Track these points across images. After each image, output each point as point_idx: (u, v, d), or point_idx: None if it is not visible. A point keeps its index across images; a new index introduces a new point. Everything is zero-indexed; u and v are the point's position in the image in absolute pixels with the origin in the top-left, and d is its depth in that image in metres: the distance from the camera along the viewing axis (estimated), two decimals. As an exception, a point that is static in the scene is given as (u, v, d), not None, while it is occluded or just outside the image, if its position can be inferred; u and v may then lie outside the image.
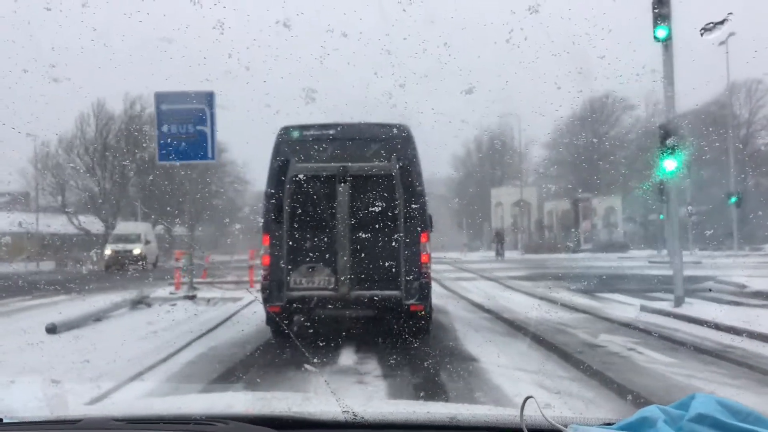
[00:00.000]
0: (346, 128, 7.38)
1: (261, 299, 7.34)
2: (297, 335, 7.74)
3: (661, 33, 10.10)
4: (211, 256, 28.23)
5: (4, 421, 1.48)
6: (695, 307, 9.73)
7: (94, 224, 37.82)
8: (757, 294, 12.03)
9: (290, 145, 7.19)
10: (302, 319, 8.02)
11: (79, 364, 5.80)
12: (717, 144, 33.06)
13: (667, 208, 22.52)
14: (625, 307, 10.73)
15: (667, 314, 9.43)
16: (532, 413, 1.19)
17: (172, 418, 1.54)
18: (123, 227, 30.87)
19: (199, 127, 11.06)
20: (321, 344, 6.98)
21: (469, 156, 53.00)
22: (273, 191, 7.09)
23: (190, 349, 6.91)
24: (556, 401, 4.59)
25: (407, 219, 7.04)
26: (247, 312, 10.47)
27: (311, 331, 7.77)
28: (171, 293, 13.16)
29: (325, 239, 7.00)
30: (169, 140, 11.03)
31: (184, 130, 11.06)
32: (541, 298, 12.20)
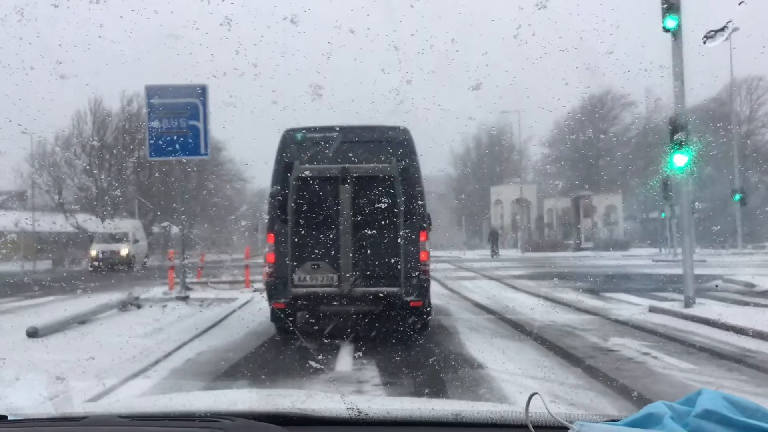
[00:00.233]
0: (348, 130, 7.55)
1: (266, 296, 7.52)
2: (301, 332, 7.84)
3: (671, 23, 9.75)
4: (208, 255, 27.86)
5: (9, 418, 1.46)
6: (706, 308, 9.37)
7: (92, 223, 37.36)
8: (767, 293, 11.70)
9: (294, 147, 7.41)
10: (306, 315, 8.11)
11: (54, 369, 5.42)
12: (717, 141, 32.72)
13: (671, 205, 22.15)
14: (632, 307, 10.36)
15: (678, 315, 9.08)
16: (538, 410, 1.17)
17: (176, 414, 1.54)
18: (109, 225, 29.21)
19: (191, 122, 10.67)
20: (320, 349, 6.67)
21: (468, 153, 52.68)
22: (277, 192, 7.34)
23: (177, 356, 6.52)
24: (571, 410, 4.22)
25: (407, 218, 7.24)
26: (241, 314, 10.10)
27: (315, 328, 7.84)
28: (164, 293, 12.80)
29: (328, 238, 7.18)
30: (160, 135, 10.63)
31: (175, 125, 10.67)
32: (546, 298, 11.83)
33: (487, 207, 47.36)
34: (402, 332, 7.34)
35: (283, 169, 7.29)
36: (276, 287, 7.28)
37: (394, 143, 7.42)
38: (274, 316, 7.46)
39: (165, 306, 10.16)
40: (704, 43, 4.69)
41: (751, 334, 7.14)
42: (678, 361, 6.03)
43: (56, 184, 38.83)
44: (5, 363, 5.70)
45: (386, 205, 7.14)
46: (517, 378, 5.39)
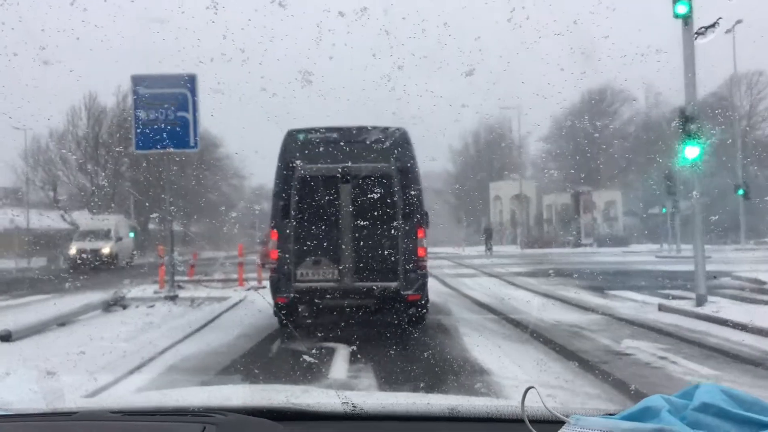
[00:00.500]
0: (348, 131, 7.88)
1: (260, 294, 8.02)
2: (299, 327, 8.00)
3: (682, 9, 9.31)
4: (202, 252, 27.32)
5: (0, 413, 1.46)
6: (719, 306, 8.95)
7: (87, 219, 36.79)
8: (779, 291, 11.28)
9: (296, 147, 7.70)
10: (305, 314, 8.33)
11: (24, 374, 4.95)
12: (718, 136, 32.31)
13: (676, 200, 21.71)
14: (640, 306, 9.95)
15: (690, 314, 8.67)
16: (534, 404, 1.15)
17: (169, 410, 1.53)
18: (91, 222, 26.76)
19: (180, 113, 10.19)
20: (313, 354, 6.24)
21: (466, 149, 52.15)
22: (280, 190, 7.66)
23: (159, 360, 6.06)
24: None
25: (405, 215, 7.52)
26: (232, 314, 9.65)
27: (316, 322, 7.95)
28: (155, 292, 12.33)
29: (329, 235, 7.47)
30: (147, 127, 10.15)
31: (163, 116, 10.19)
32: (549, 297, 11.39)
33: (486, 203, 46.93)
34: (400, 334, 7.08)
35: (286, 168, 7.57)
36: (279, 282, 7.54)
37: (392, 144, 7.70)
38: (277, 310, 7.71)
39: (152, 306, 9.69)
40: (695, 39, 4.38)
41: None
42: (698, 366, 5.60)
43: (51, 181, 38.34)
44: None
45: (385, 203, 7.39)
46: (526, 386, 4.94)
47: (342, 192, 7.40)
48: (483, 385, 5.05)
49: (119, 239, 24.83)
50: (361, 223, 7.42)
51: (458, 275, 16.43)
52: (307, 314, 8.24)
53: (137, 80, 10.26)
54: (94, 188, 39.43)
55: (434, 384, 5.11)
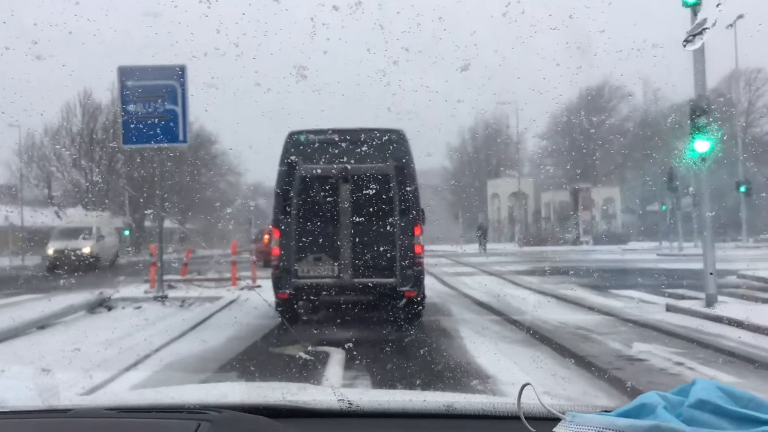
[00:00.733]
0: (348, 133, 8.11)
1: (272, 287, 8.00)
2: (294, 322, 8.18)
3: (691, -3, 8.94)
4: (199, 249, 26.85)
5: None
6: (730, 307, 8.62)
7: (82, 216, 36.34)
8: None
9: (297, 148, 7.91)
10: (303, 309, 8.52)
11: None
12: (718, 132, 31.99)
13: (678, 197, 21.38)
14: (646, 306, 9.62)
15: (700, 315, 8.32)
16: (529, 401, 1.14)
17: (164, 407, 1.51)
18: (71, 220, 25.17)
19: (169, 106, 9.78)
20: (307, 359, 5.89)
21: (464, 146, 51.78)
22: (282, 190, 7.90)
23: (141, 368, 5.67)
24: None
25: (402, 214, 7.80)
26: (223, 315, 9.26)
27: (308, 325, 8.13)
28: (146, 291, 11.94)
29: (329, 232, 7.74)
30: (135, 120, 9.74)
31: (152, 109, 9.77)
32: (551, 296, 11.03)
33: (483, 200, 46.60)
34: (399, 338, 6.80)
35: (287, 169, 7.83)
36: (281, 279, 7.79)
37: (390, 144, 7.95)
38: (278, 306, 7.98)
39: (139, 307, 9.28)
40: (684, 47, 4.09)
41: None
42: (718, 373, 5.25)
43: (46, 178, 37.90)
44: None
45: (383, 202, 7.67)
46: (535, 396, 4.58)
47: (341, 191, 7.70)
48: (489, 394, 4.69)
49: (101, 238, 22.91)
50: (360, 221, 7.69)
51: (457, 274, 16.06)
52: (306, 310, 8.47)
53: (125, 72, 9.85)
54: (88, 185, 39.03)
55: (438, 393, 4.74)
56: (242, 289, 12.62)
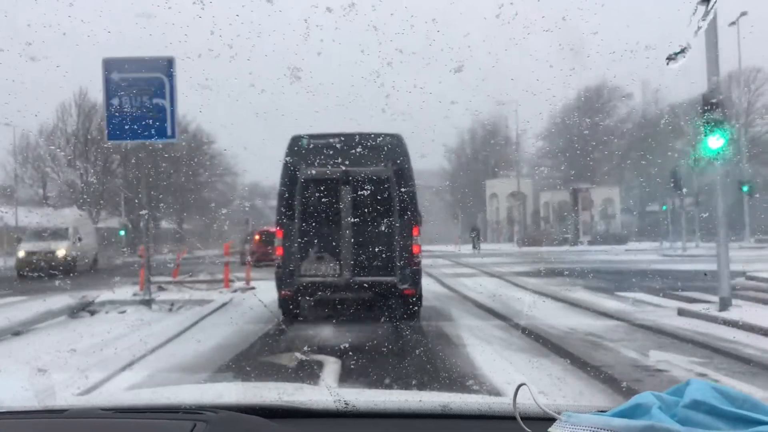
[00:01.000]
0: (348, 137, 8.32)
1: (275, 285, 8.26)
2: (295, 318, 8.34)
3: (704, -13, 8.53)
4: (192, 250, 26.41)
5: None
6: (745, 311, 8.19)
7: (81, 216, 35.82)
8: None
9: (300, 152, 8.18)
10: (306, 306, 8.70)
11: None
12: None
13: (681, 196, 20.91)
14: (657, 309, 9.20)
15: (715, 320, 7.91)
16: (525, 401, 1.13)
17: (160, 407, 1.52)
18: (45, 220, 23.20)
19: (156, 100, 9.33)
20: (301, 367, 5.46)
21: (462, 147, 51.37)
22: (285, 192, 8.22)
23: (119, 379, 5.20)
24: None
25: (401, 215, 8.09)
26: (213, 320, 8.81)
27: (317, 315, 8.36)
28: (134, 294, 11.47)
29: (331, 233, 8.04)
30: (120, 115, 9.29)
31: (138, 104, 9.32)
32: (556, 299, 10.61)
33: (482, 201, 46.22)
34: (400, 347, 6.42)
35: (290, 171, 8.13)
36: (284, 277, 8.06)
37: (389, 148, 8.22)
38: (281, 304, 8.27)
39: (124, 312, 8.83)
40: (667, 64, 3.76)
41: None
42: (745, 385, 4.82)
43: (41, 178, 37.43)
44: None
45: (382, 203, 7.95)
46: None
47: (342, 193, 8.00)
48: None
49: (79, 239, 21.09)
50: (360, 222, 7.97)
51: (456, 275, 15.61)
52: (307, 309, 8.69)
53: (110, 64, 9.39)
54: (83, 185, 38.55)
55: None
56: (235, 291, 12.17)
